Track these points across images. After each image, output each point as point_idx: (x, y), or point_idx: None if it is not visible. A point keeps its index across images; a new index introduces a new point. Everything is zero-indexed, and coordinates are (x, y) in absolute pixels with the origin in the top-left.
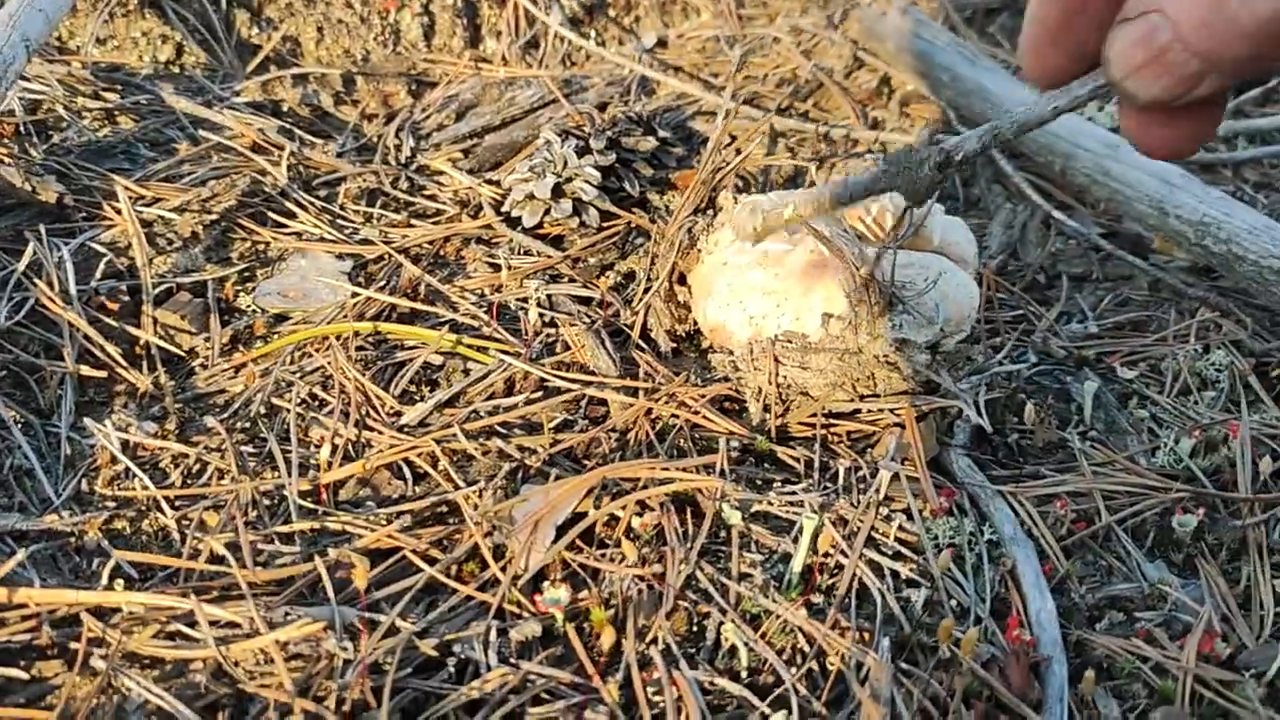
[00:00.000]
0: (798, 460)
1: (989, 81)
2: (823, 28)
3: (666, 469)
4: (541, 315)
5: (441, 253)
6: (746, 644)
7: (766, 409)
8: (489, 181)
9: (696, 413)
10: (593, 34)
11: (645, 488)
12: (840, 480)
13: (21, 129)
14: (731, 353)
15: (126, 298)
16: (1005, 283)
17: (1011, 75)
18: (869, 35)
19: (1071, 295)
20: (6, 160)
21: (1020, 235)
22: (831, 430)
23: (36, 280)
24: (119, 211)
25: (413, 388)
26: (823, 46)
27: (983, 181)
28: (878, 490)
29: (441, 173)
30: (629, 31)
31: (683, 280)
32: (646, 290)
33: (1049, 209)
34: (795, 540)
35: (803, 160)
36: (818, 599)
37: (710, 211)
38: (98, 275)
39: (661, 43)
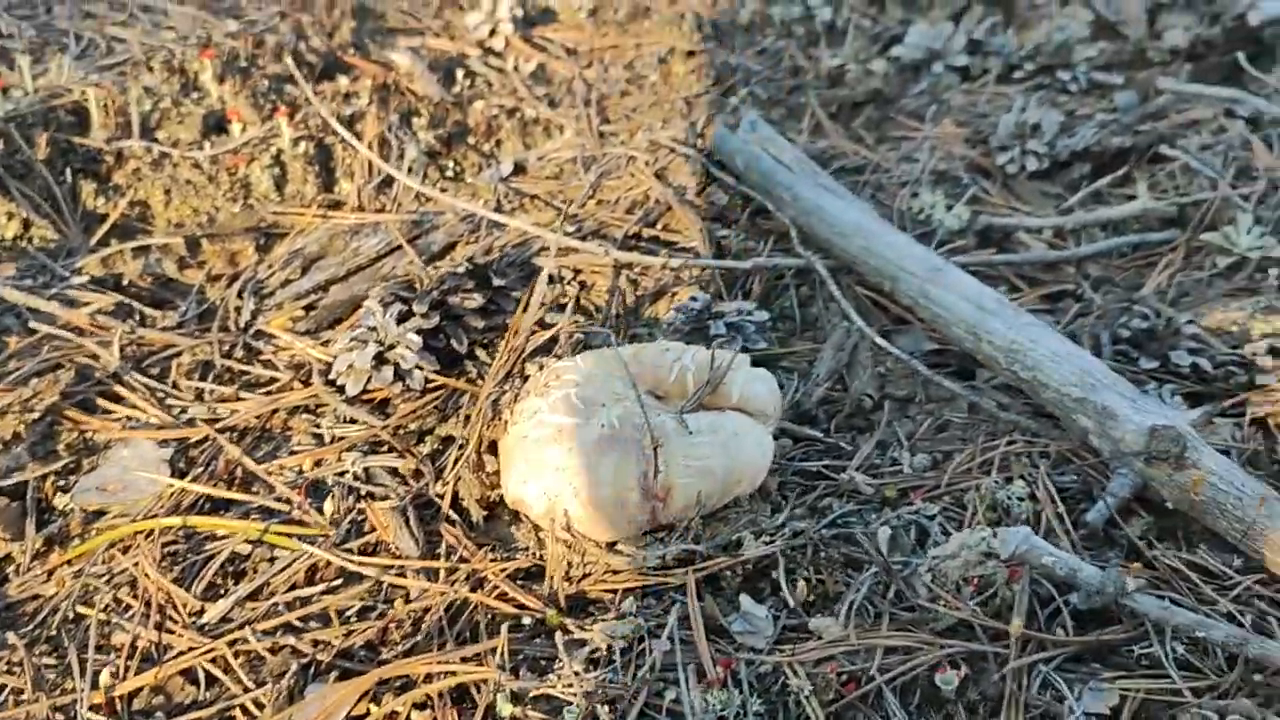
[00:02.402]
0: (584, 636)
1: (827, 203)
2: (681, 142)
3: (448, 661)
4: (354, 490)
5: (269, 426)
6: None
7: (567, 577)
8: (324, 343)
9: (494, 590)
10: (452, 163)
11: (427, 681)
12: (619, 657)
13: None
14: (534, 525)
15: None
16: (824, 416)
17: (851, 198)
18: (719, 151)
19: (891, 422)
20: None
21: (850, 358)
22: (623, 594)
23: None
24: None
25: (219, 581)
26: (677, 164)
27: (820, 301)
28: (652, 668)
29: (277, 337)
30: (490, 157)
31: (493, 449)
32: (458, 460)
33: (872, 334)
34: None
35: (644, 292)
36: None
37: (521, 379)
38: None
39: (519, 168)
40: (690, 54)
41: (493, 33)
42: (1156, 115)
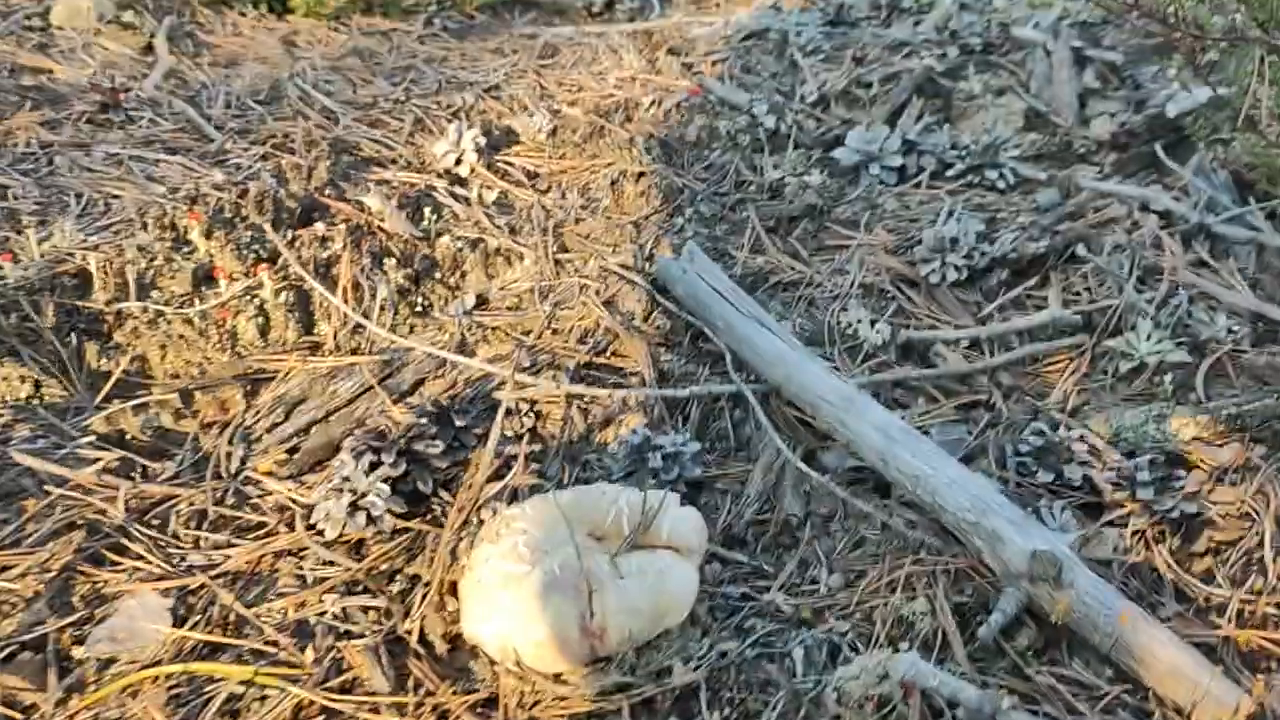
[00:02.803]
0: None
1: (755, 334)
2: (630, 268)
3: None
4: (334, 629)
5: (257, 570)
6: None
7: (520, 705)
8: (306, 486)
9: None
10: (420, 299)
11: None
12: None
13: None
14: (491, 660)
15: None
16: (753, 537)
17: (775, 326)
18: (662, 279)
19: (813, 540)
20: None
21: (777, 479)
22: None
23: None
24: None
25: None
26: (625, 292)
27: (751, 423)
28: None
29: (263, 483)
30: (455, 289)
31: (454, 589)
32: (423, 599)
33: (794, 459)
34: None
35: (593, 422)
36: None
37: (478, 523)
38: None
39: (482, 300)
40: (640, 175)
41: (458, 161)
42: (1074, 215)
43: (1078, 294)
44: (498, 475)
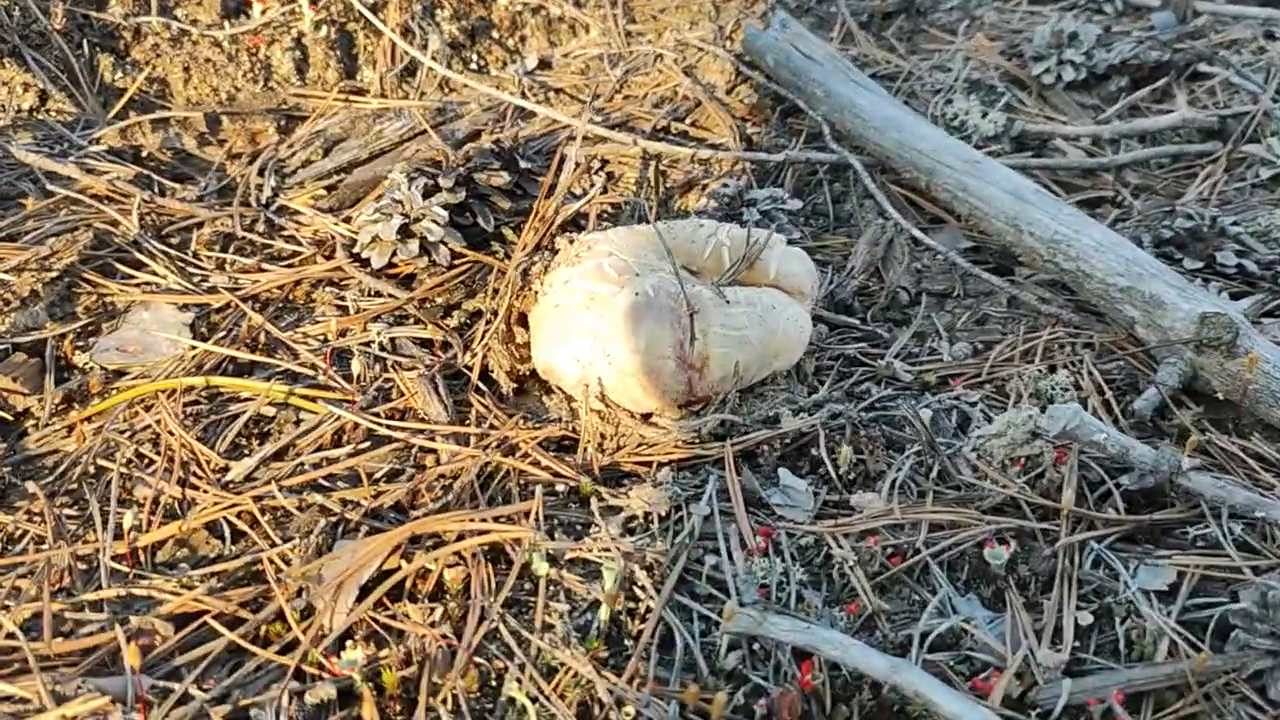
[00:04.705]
0: (619, 504)
1: (861, 99)
2: (710, 42)
3: (482, 519)
4: (380, 360)
5: (291, 297)
6: (535, 700)
7: (600, 449)
8: (347, 220)
9: (526, 456)
10: (475, 57)
11: (460, 539)
12: (656, 522)
13: None
14: (567, 395)
15: None
16: (860, 306)
17: (885, 94)
18: (750, 49)
19: (929, 314)
20: None
21: (885, 254)
22: (658, 467)
23: None
24: None
25: (242, 441)
26: (706, 62)
27: (854, 198)
28: (690, 533)
29: (300, 213)
30: (514, 53)
31: (523, 321)
32: (486, 331)
33: (910, 227)
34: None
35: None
36: (624, 647)
37: (550, 251)
38: None
39: (544, 64)
40: None
41: None
42: (1195, 35)
43: (1204, 106)
44: (568, 221)
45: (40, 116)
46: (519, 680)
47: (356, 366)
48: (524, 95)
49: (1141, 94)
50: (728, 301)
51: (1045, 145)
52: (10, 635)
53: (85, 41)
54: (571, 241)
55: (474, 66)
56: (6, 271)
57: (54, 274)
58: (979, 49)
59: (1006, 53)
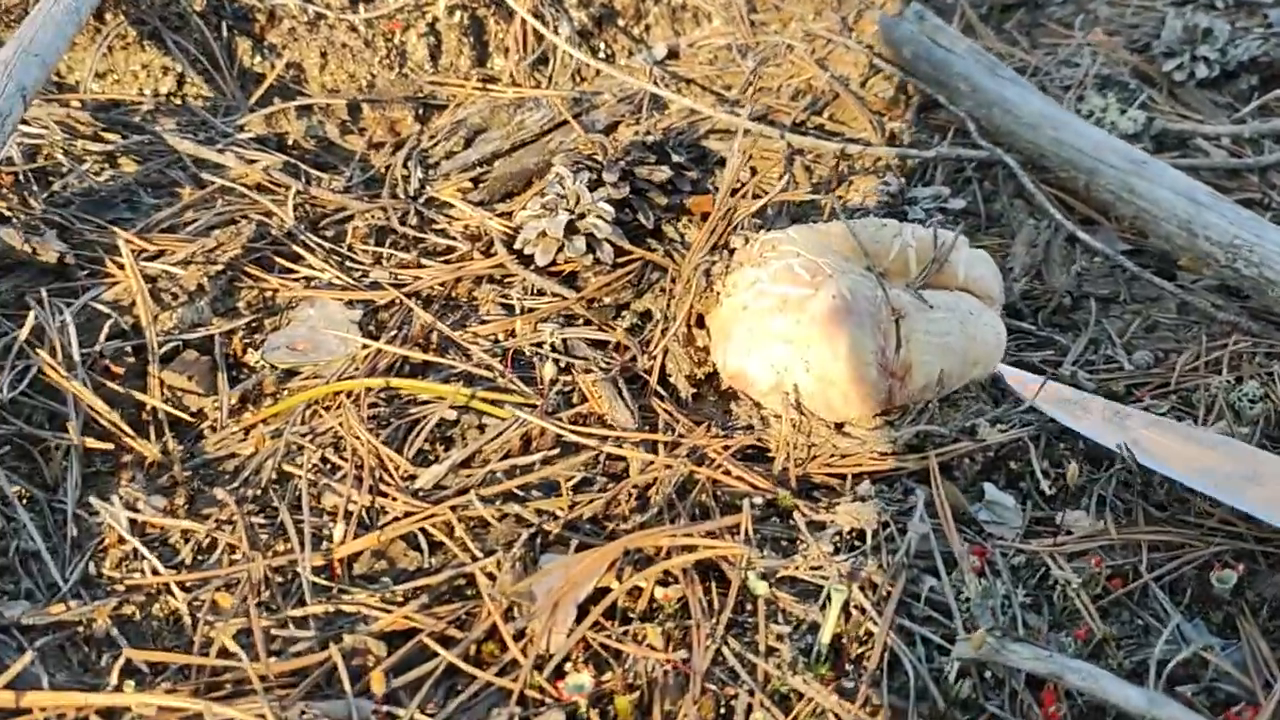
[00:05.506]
0: (824, 519)
1: (1011, 93)
2: (837, 32)
3: (690, 535)
4: (556, 362)
5: (453, 294)
6: None
7: (791, 459)
8: (500, 214)
9: (719, 466)
10: (602, 45)
11: (668, 556)
12: (868, 540)
13: (20, 178)
14: (755, 402)
15: (132, 359)
16: (1028, 310)
17: (1032, 85)
18: (885, 41)
19: (1099, 320)
20: (6, 213)
21: (1044, 255)
22: (854, 479)
23: (39, 348)
24: (122, 268)
25: (428, 447)
26: (837, 53)
27: (1004, 197)
28: (907, 551)
29: (451, 205)
30: (639, 41)
31: (700, 323)
32: (664, 333)
33: (1072, 227)
34: (823, 609)
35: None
36: (848, 672)
37: (727, 251)
38: (102, 337)
39: (672, 53)
40: None
41: None
42: None
43: None
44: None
45: (178, 101)
46: (752, 707)
47: (549, 370)
48: (657, 85)
49: (1275, 93)
50: (930, 306)
51: (1186, 145)
52: (228, 654)
53: (223, 24)
54: (747, 240)
55: (601, 56)
56: (173, 264)
57: (218, 267)
58: (1101, 44)
59: (1132, 47)
